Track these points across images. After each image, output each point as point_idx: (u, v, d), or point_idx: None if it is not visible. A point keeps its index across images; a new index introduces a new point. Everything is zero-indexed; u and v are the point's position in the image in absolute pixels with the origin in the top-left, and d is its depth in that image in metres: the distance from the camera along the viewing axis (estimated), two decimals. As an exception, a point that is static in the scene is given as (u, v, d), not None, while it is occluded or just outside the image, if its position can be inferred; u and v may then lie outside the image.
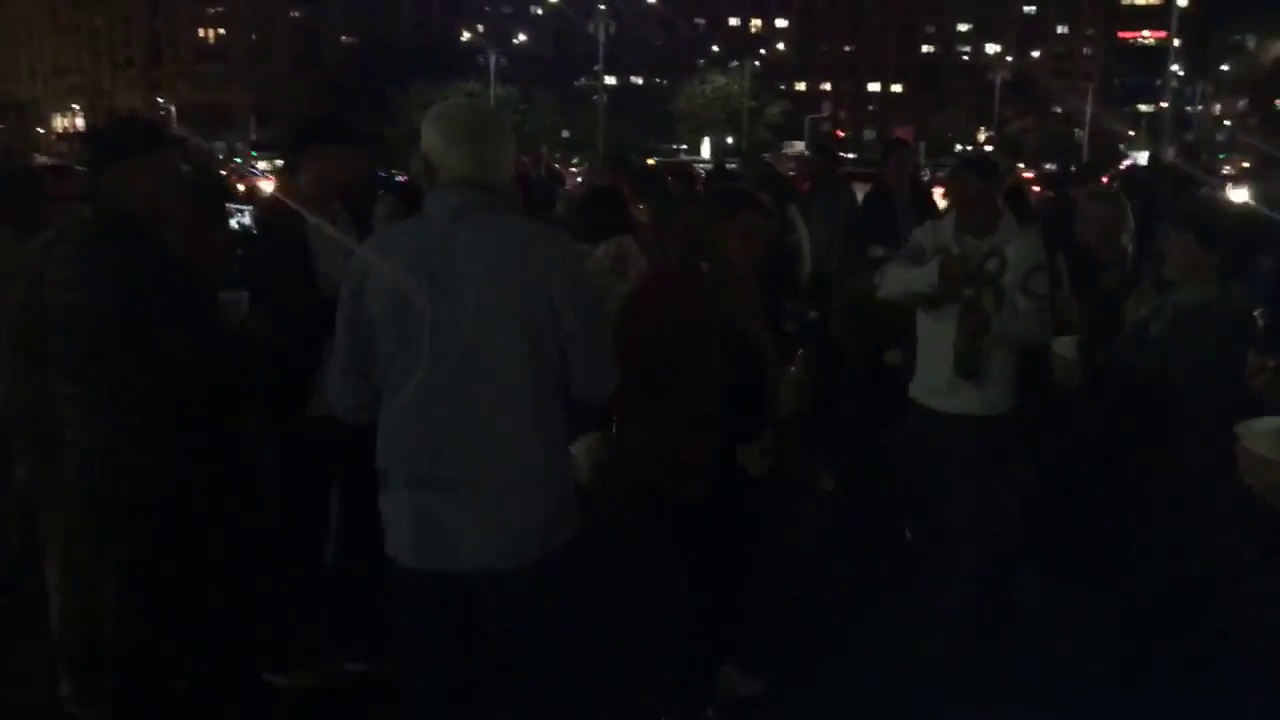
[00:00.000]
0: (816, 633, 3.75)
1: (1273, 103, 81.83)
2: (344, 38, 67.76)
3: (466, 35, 64.59)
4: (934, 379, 3.50)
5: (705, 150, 48.59)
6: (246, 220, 6.45)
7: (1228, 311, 2.83)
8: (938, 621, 3.55)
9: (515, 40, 63.19)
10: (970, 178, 3.53)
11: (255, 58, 64.79)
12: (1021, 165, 18.08)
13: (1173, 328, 2.80)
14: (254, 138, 50.59)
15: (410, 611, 2.28)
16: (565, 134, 53.21)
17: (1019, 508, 3.63)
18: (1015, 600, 3.66)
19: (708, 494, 2.75)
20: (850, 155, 34.78)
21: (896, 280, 3.51)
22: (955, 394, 3.42)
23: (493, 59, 52.19)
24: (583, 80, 59.09)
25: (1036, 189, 13.28)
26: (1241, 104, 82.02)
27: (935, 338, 3.48)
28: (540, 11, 79.31)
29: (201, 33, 66.79)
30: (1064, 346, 3.48)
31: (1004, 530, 3.57)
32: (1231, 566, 2.78)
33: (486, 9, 76.68)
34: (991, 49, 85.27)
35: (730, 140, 52.88)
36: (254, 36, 66.09)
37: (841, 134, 58.54)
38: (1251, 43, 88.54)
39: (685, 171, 6.81)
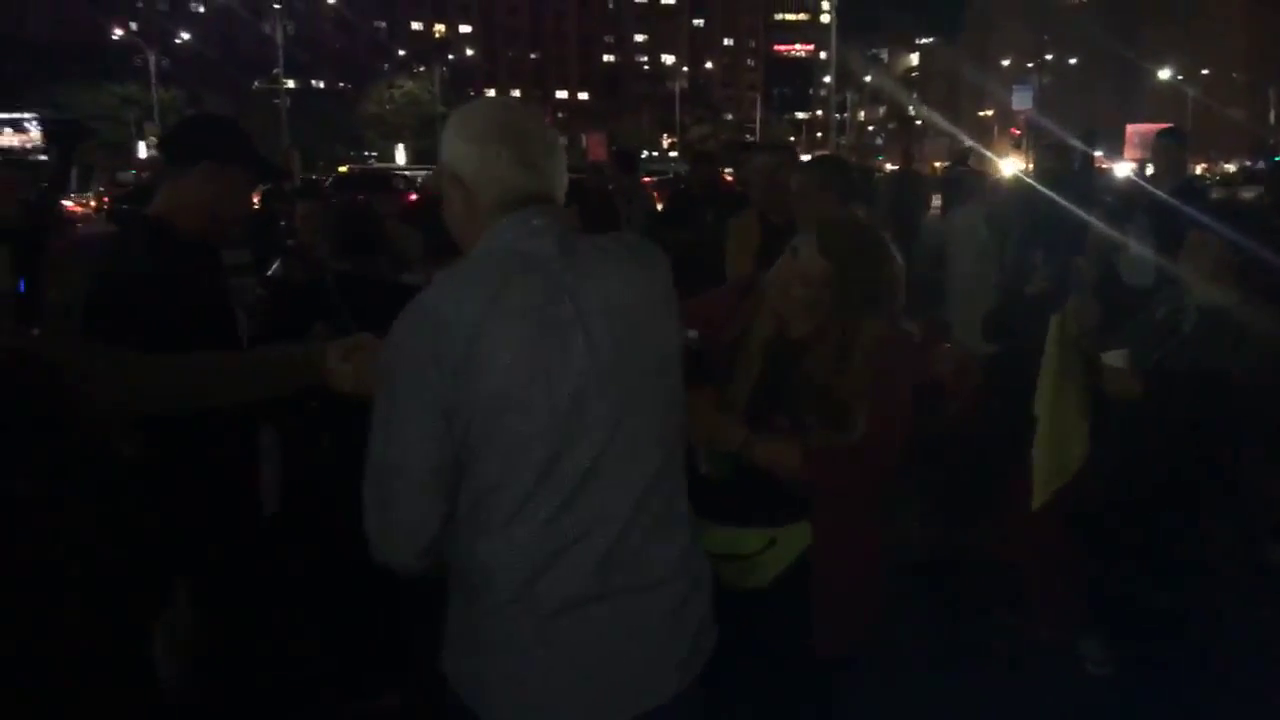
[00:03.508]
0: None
1: (906, 109, 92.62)
2: (-36, 32, 58.96)
3: (119, 33, 58.29)
4: None
5: (400, 157, 47.22)
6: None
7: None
8: None
9: (177, 40, 57.96)
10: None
11: None
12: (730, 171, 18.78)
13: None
14: None
15: None
16: (244, 141, 49.57)
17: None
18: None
19: None
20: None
21: None
22: None
23: (152, 59, 47.59)
24: (258, 83, 55.37)
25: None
26: (881, 110, 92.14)
27: None
28: (201, 9, 73.34)
29: None
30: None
31: None
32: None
33: (139, 5, 69.89)
34: (668, 59, 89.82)
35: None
36: None
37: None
38: (885, 56, 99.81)
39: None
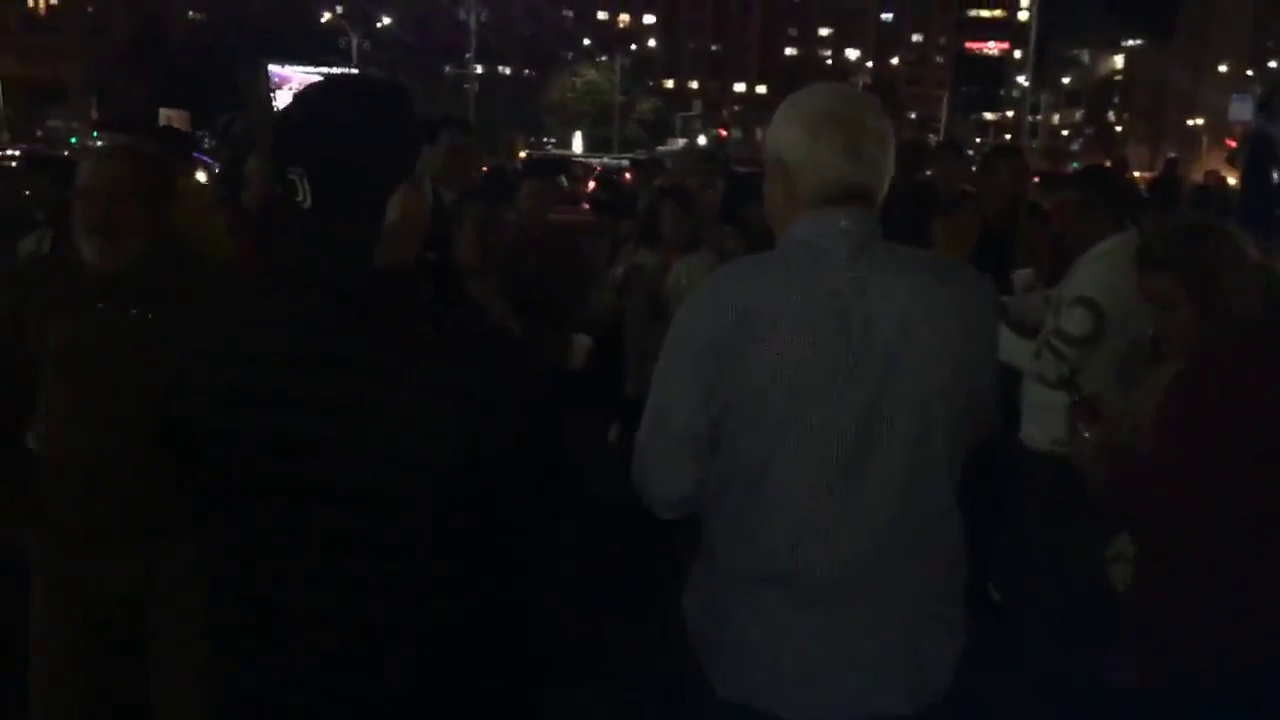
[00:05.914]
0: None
1: (1105, 114, 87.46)
2: (190, 13, 63.91)
3: (326, 16, 61.81)
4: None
5: (577, 144, 48.12)
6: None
7: None
8: None
9: (379, 24, 60.95)
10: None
11: (91, 30, 60.32)
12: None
13: None
14: (94, 116, 47.03)
15: None
16: (433, 123, 51.84)
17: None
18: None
19: None
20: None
21: (1003, 345, 2.85)
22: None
23: (355, 41, 50.19)
24: (449, 68, 57.53)
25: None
26: (1078, 114, 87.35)
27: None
28: (402, -5, 77.06)
29: (31, 2, 61.70)
30: None
31: None
32: None
33: (346, -11, 74.00)
34: (852, 54, 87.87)
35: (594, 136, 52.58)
36: (89, 9, 61.52)
37: (725, 133, 58.99)
38: (1086, 57, 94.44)
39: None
